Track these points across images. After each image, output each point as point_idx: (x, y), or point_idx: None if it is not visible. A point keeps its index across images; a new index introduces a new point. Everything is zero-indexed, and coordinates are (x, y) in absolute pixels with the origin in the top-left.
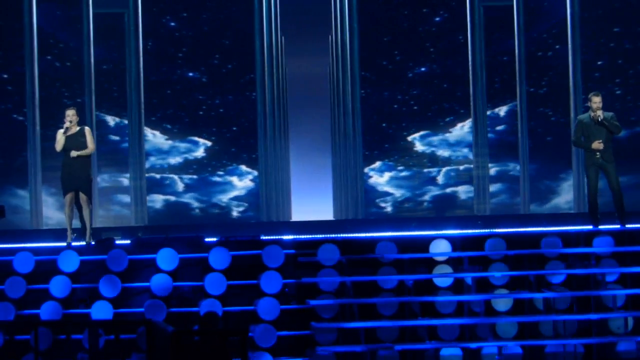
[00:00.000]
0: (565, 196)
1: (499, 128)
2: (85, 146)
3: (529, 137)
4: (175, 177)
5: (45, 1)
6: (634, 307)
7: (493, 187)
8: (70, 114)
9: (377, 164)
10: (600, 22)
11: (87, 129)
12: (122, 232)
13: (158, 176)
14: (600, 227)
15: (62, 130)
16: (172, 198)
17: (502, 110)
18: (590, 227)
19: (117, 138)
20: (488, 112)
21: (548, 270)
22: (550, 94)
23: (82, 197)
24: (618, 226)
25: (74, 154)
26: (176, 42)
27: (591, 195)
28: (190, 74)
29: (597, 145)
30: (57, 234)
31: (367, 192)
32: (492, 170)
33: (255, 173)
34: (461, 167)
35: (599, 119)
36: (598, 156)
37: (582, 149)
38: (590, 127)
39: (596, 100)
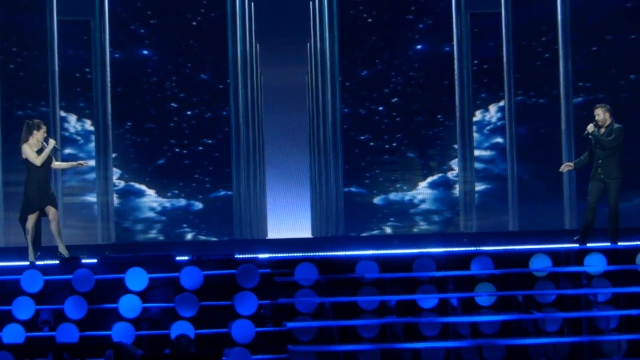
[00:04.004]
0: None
1: (486, 138)
2: (51, 160)
3: (517, 150)
4: (145, 190)
5: (8, 8)
6: (627, 329)
7: (480, 203)
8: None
9: (358, 178)
10: (592, 30)
11: (51, 140)
12: (88, 250)
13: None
14: (593, 245)
15: (51, 145)
16: (137, 215)
17: (491, 120)
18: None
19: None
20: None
21: (537, 290)
22: (540, 104)
23: (53, 211)
24: (608, 243)
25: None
26: (146, 50)
27: (587, 210)
28: (161, 84)
29: (562, 168)
30: (20, 252)
31: (352, 208)
32: (480, 186)
33: (222, 192)
34: (448, 180)
35: (585, 132)
36: (600, 171)
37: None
38: (593, 140)
39: (595, 113)
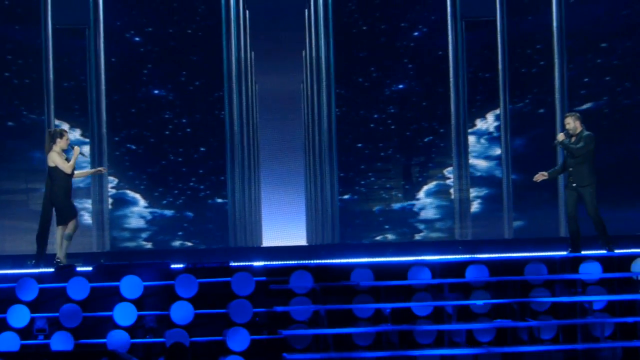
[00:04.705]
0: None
1: (484, 146)
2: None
3: (513, 157)
4: (139, 199)
5: (3, 16)
6: (622, 336)
7: (476, 211)
8: None
9: (353, 185)
10: (586, 38)
11: (76, 147)
12: (83, 258)
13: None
14: (587, 252)
15: (77, 152)
16: (132, 223)
17: (489, 129)
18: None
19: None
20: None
21: (532, 297)
22: (536, 111)
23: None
24: (604, 251)
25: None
26: (141, 58)
27: (569, 220)
28: (156, 92)
29: (536, 177)
30: (15, 260)
31: (347, 216)
32: (476, 194)
33: (217, 200)
34: (442, 189)
35: (555, 142)
36: (571, 180)
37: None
38: (564, 149)
39: (565, 122)
